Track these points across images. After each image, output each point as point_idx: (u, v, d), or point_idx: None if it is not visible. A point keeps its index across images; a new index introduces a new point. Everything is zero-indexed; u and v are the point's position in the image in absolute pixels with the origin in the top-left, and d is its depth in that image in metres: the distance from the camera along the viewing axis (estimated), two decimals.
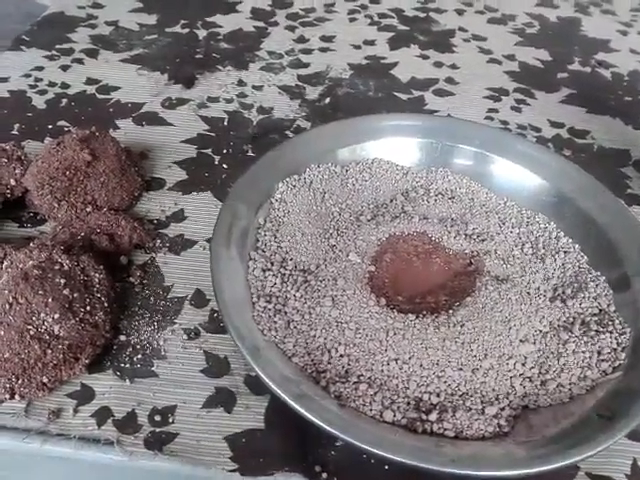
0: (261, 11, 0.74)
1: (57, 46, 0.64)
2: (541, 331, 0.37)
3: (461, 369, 0.35)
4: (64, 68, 0.61)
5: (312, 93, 0.61)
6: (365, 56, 0.67)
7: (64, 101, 0.57)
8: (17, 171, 0.44)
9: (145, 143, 0.52)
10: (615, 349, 0.37)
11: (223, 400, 0.35)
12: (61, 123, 0.54)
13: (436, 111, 0.59)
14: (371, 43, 0.69)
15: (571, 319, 0.38)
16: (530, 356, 0.36)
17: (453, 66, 0.66)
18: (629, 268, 0.40)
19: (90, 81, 0.59)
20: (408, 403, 0.33)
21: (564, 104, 0.62)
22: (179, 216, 0.46)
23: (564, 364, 0.36)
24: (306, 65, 0.65)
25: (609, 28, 0.77)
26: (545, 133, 0.58)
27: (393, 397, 0.33)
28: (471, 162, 0.48)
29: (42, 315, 0.34)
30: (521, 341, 0.36)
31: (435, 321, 0.36)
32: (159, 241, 0.44)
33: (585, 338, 0.37)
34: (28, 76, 0.59)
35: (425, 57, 0.68)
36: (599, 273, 0.41)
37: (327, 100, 0.60)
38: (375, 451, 0.29)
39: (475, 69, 0.66)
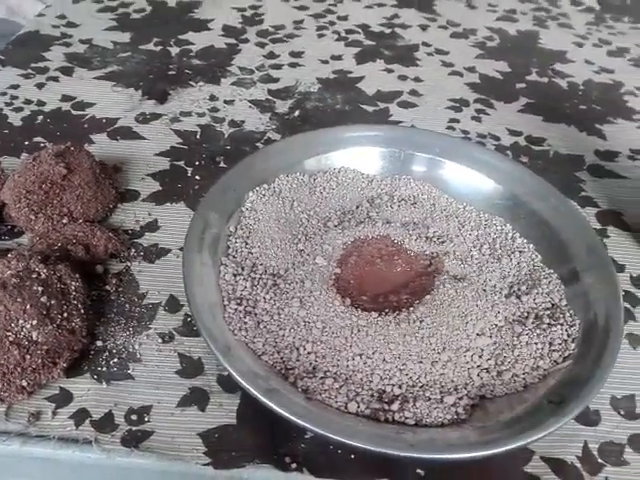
0: (232, 28, 0.77)
1: (32, 64, 0.66)
2: (496, 325, 0.40)
3: (421, 362, 0.37)
4: (39, 86, 0.63)
5: (282, 107, 0.63)
6: (333, 70, 0.70)
7: (40, 118, 0.58)
8: None
9: (120, 157, 0.54)
10: (566, 340, 0.39)
11: (197, 399, 0.37)
12: (37, 139, 0.55)
13: (400, 122, 0.62)
14: (338, 58, 0.72)
15: (525, 313, 0.41)
16: (486, 349, 0.38)
17: (417, 79, 0.69)
18: (578, 264, 0.42)
19: (65, 98, 0.61)
20: (372, 395, 0.35)
21: (522, 113, 0.65)
22: (153, 226, 0.48)
23: (518, 355, 0.38)
24: (276, 80, 0.67)
25: (566, 40, 0.81)
26: (504, 141, 0.61)
27: (357, 390, 0.35)
28: (432, 169, 0.51)
29: (20, 322, 0.36)
30: (477, 335, 0.39)
31: (396, 318, 0.39)
32: (134, 250, 0.45)
33: (538, 331, 0.39)
34: (4, 94, 0.61)
35: (390, 71, 0.70)
36: (552, 271, 0.44)
37: (296, 113, 0.62)
38: (340, 439, 0.31)
39: (438, 81, 0.69)
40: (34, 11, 0.86)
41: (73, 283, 0.39)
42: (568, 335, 0.39)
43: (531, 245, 0.46)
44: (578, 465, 0.35)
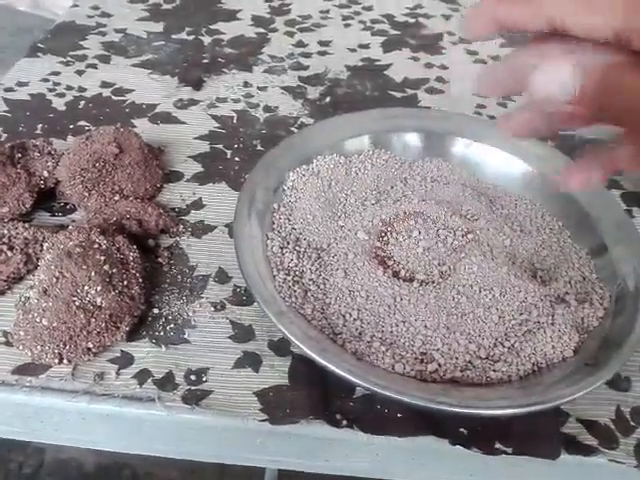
0: (261, 18, 0.79)
1: (71, 52, 0.68)
2: (533, 296, 0.41)
3: (461, 330, 0.39)
4: (79, 73, 0.65)
5: (313, 93, 0.65)
6: (360, 58, 0.72)
7: (82, 103, 0.61)
8: (49, 164, 0.47)
9: (162, 140, 0.56)
10: (598, 309, 0.41)
11: (250, 361, 0.39)
12: (81, 123, 0.58)
13: (428, 107, 0.64)
14: (365, 47, 0.74)
15: (557, 288, 0.43)
16: (522, 321, 0.40)
17: (442, 67, 0.71)
18: (607, 239, 0.44)
19: (105, 84, 0.63)
20: (415, 358, 0.37)
21: None
22: (198, 204, 0.50)
23: (552, 325, 0.40)
24: (306, 67, 0.69)
25: None
26: None
27: (402, 353, 0.37)
28: (463, 151, 0.53)
29: (85, 288, 0.38)
30: (510, 307, 0.41)
31: (436, 288, 0.41)
32: (182, 226, 0.48)
33: (573, 302, 0.42)
34: (46, 80, 0.63)
35: (416, 59, 0.72)
36: (581, 246, 0.46)
37: (327, 99, 0.64)
38: (390, 394, 0.33)
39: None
40: (61, 4, 0.89)
41: (131, 254, 0.41)
42: (600, 304, 0.41)
43: (560, 223, 0.48)
44: (612, 426, 0.38)
